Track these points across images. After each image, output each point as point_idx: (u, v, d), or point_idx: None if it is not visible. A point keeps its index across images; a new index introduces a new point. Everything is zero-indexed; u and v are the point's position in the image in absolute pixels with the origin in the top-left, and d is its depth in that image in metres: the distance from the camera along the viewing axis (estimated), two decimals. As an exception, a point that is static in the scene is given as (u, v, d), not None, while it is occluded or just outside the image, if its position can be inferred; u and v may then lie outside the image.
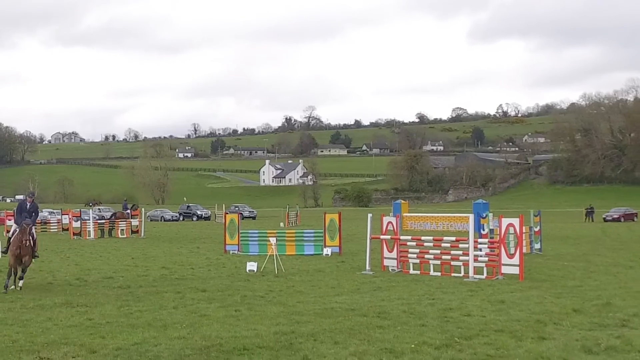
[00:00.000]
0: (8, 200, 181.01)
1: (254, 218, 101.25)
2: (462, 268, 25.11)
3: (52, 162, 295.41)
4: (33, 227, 22.40)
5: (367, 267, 26.98)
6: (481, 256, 25.27)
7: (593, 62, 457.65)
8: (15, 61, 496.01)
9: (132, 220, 57.68)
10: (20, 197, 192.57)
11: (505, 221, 25.24)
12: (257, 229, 47.53)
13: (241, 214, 63.71)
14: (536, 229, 36.15)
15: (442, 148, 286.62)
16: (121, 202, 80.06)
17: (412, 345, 13.27)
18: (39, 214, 31.06)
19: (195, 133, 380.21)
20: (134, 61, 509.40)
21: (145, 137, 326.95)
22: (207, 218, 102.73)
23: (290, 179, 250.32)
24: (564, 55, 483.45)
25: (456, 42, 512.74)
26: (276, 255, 28.11)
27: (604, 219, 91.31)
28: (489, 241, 27.02)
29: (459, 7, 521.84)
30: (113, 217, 65.48)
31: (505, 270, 24.45)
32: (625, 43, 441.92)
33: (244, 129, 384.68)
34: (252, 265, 27.13)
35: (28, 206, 23.82)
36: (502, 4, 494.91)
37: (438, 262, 25.98)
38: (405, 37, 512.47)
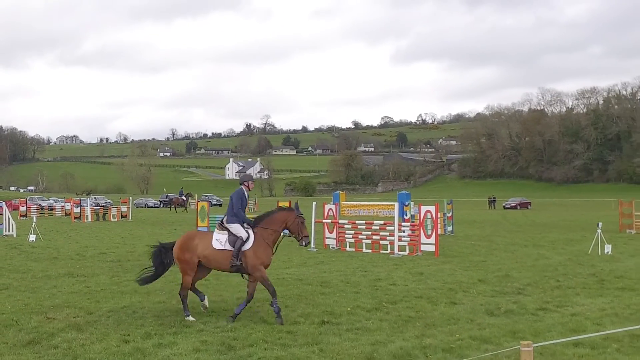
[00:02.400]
0: (21, 190, 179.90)
1: (220, 205, 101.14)
2: (389, 246, 25.21)
3: (57, 160, 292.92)
4: None
5: (312, 245, 26.95)
6: (404, 237, 25.35)
7: (493, 80, 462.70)
8: (27, 78, 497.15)
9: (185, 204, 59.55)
10: (31, 188, 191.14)
11: (423, 208, 25.36)
12: (222, 214, 47.30)
13: (210, 202, 63.62)
14: (449, 215, 36.39)
15: (372, 149, 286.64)
16: (113, 191, 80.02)
17: (349, 309, 13.27)
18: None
19: (173, 136, 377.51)
20: (123, 78, 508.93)
21: (132, 140, 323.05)
22: (183, 205, 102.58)
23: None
24: (470, 74, 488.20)
25: (382, 63, 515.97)
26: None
27: (504, 206, 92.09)
28: (410, 225, 27.10)
29: (385, 36, 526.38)
30: (171, 202, 67.03)
31: (423, 248, 24.55)
32: (519, 65, 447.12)
33: (212, 133, 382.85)
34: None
35: None
36: (419, 33, 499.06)
37: (369, 241, 26.06)
38: (341, 59, 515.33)
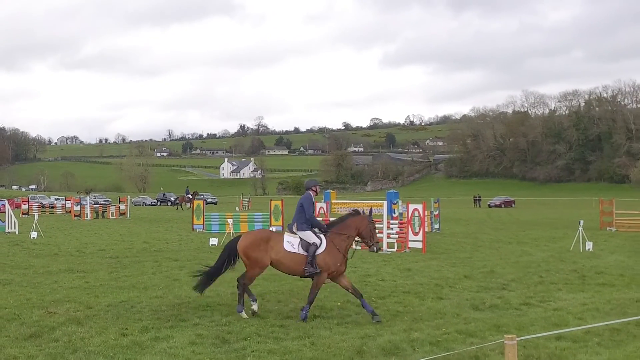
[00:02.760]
0: (23, 189, 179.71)
1: (215, 203, 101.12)
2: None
3: (57, 160, 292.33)
4: None
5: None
6: (392, 234, 25.40)
7: (479, 82, 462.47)
8: (29, 81, 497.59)
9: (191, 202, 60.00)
10: (33, 187, 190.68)
11: (411, 207, 25.41)
12: (217, 212, 47.37)
13: (205, 200, 63.60)
14: (436, 213, 36.44)
15: (362, 149, 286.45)
16: (112, 190, 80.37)
17: (339, 303, 13.31)
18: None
19: (170, 137, 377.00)
20: (121, 81, 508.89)
21: (130, 140, 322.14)
22: (178, 203, 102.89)
23: (244, 173, 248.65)
24: (456, 77, 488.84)
25: (371, 67, 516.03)
26: (232, 232, 28.05)
27: (489, 205, 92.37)
28: (398, 222, 27.14)
29: (373, 41, 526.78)
30: (177, 200, 67.62)
31: (411, 245, 24.61)
32: (503, 68, 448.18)
33: (207, 134, 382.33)
34: (213, 241, 27.16)
35: None
36: (407, 38, 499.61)
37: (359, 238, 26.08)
38: (332, 63, 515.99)
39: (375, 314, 11.84)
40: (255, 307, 12.21)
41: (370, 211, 13.06)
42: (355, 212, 12.83)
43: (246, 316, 11.97)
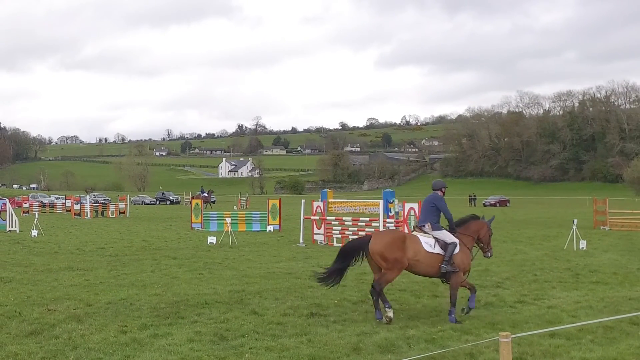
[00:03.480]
0: (24, 188, 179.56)
1: (214, 202, 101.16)
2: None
3: (58, 159, 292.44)
4: None
5: (301, 241, 27.04)
6: (389, 232, 25.37)
7: (473, 83, 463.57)
8: (30, 82, 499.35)
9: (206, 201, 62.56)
10: (34, 186, 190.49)
11: (407, 205, 25.43)
12: (215, 211, 47.39)
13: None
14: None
15: (359, 149, 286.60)
16: (111, 189, 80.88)
17: (336, 301, 13.31)
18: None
19: (169, 136, 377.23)
20: (121, 82, 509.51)
21: (130, 140, 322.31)
22: (177, 202, 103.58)
23: (241, 173, 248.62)
24: (451, 78, 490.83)
25: (367, 68, 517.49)
26: (231, 231, 28.05)
27: (484, 204, 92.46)
28: (394, 221, 27.15)
29: (369, 42, 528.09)
30: (191, 199, 68.02)
31: (407, 243, 24.60)
32: (497, 69, 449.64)
33: (206, 133, 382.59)
34: (212, 239, 27.17)
35: None
36: (402, 39, 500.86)
37: (356, 237, 26.03)
38: (328, 64, 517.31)
39: (470, 308, 12.10)
40: (390, 313, 11.52)
41: (492, 219, 13.03)
42: (475, 217, 12.88)
43: (386, 322, 11.38)
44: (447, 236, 12.05)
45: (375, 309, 11.70)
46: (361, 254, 11.92)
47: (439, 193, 12.70)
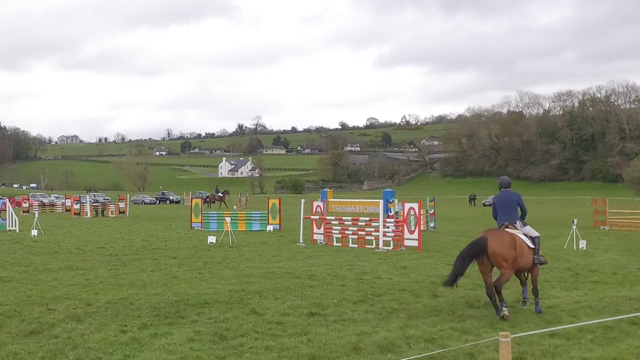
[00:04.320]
0: (24, 187, 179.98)
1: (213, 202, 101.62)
2: (374, 241, 25.24)
3: (58, 159, 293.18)
4: None
5: (301, 240, 27.01)
6: (388, 232, 25.39)
7: (473, 83, 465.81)
8: (30, 81, 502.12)
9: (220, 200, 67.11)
10: (34, 185, 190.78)
11: (407, 205, 25.39)
12: (215, 210, 47.39)
13: (204, 199, 63.92)
14: (431, 212, 36.46)
15: (359, 149, 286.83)
16: (111, 189, 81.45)
17: (335, 301, 13.29)
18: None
19: (169, 136, 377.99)
20: (121, 81, 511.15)
21: (130, 139, 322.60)
22: (177, 202, 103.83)
23: (241, 172, 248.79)
24: (450, 78, 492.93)
25: (367, 67, 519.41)
26: (230, 230, 28.05)
27: (484, 204, 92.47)
28: (394, 221, 27.13)
29: (369, 42, 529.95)
30: (207, 198, 68.63)
31: (407, 243, 24.59)
32: (497, 69, 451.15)
33: (206, 133, 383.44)
34: (212, 238, 27.14)
35: None
36: (401, 40, 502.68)
37: (355, 236, 26.08)
38: (328, 63, 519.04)
39: (527, 303, 12.84)
40: (506, 312, 11.62)
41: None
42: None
43: (507, 316, 11.51)
44: (532, 230, 12.69)
45: (497, 307, 11.78)
46: (481, 256, 12.01)
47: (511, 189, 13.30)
